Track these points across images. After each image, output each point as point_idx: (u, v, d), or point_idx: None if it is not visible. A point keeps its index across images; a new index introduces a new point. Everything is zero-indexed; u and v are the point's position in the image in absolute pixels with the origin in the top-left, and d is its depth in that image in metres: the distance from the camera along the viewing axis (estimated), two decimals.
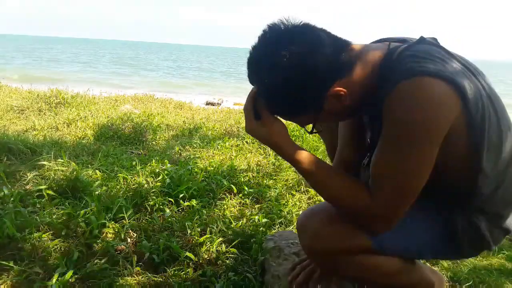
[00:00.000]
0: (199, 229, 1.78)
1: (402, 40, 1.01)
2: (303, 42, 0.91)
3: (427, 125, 0.84)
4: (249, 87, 1.06)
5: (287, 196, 2.28)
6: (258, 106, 1.01)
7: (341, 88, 0.94)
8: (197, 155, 2.97)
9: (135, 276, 1.45)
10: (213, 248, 1.64)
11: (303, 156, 1.01)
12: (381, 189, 0.93)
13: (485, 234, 1.01)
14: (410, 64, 0.88)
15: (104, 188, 2.11)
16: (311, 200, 2.27)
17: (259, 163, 2.84)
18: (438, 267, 1.68)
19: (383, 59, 0.96)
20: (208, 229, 1.80)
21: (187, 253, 1.56)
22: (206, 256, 1.60)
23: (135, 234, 1.72)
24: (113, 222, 1.78)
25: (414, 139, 0.85)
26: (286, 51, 0.90)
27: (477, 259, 1.79)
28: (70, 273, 1.37)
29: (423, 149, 0.86)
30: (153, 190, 2.09)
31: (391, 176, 0.90)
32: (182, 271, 1.49)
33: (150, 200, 2.00)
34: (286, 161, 1.03)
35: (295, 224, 1.96)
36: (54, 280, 1.34)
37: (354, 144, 1.25)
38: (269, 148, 3.16)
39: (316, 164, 1.01)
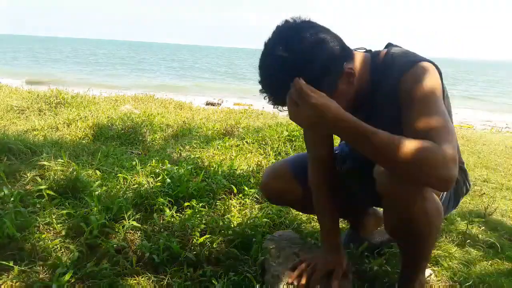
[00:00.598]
0: (199, 229, 1.78)
1: (369, 50, 1.23)
2: (315, 29, 1.06)
3: (437, 85, 1.09)
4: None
5: None
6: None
7: (351, 67, 1.10)
8: (197, 155, 2.97)
9: (135, 276, 1.46)
10: (213, 248, 1.64)
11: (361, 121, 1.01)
12: (438, 136, 0.97)
13: (468, 180, 1.41)
14: (404, 59, 1.13)
15: (104, 188, 2.11)
16: None
17: (259, 163, 2.84)
18: (438, 267, 1.68)
19: (371, 63, 1.17)
20: (208, 229, 1.80)
21: (187, 253, 1.56)
22: (206, 256, 1.60)
23: (135, 234, 1.73)
24: (113, 222, 1.78)
25: (436, 96, 1.06)
26: (300, 36, 1.03)
27: (477, 259, 1.79)
28: (70, 273, 1.37)
29: (442, 100, 1.08)
30: (153, 190, 2.09)
31: (438, 124, 1.00)
32: (182, 271, 1.49)
33: (150, 200, 2.00)
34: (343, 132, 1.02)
35: (295, 224, 1.96)
36: (54, 280, 1.34)
37: (328, 142, 1.42)
38: (269, 148, 3.19)
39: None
